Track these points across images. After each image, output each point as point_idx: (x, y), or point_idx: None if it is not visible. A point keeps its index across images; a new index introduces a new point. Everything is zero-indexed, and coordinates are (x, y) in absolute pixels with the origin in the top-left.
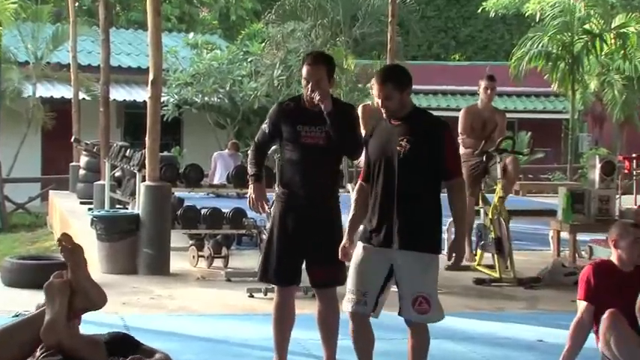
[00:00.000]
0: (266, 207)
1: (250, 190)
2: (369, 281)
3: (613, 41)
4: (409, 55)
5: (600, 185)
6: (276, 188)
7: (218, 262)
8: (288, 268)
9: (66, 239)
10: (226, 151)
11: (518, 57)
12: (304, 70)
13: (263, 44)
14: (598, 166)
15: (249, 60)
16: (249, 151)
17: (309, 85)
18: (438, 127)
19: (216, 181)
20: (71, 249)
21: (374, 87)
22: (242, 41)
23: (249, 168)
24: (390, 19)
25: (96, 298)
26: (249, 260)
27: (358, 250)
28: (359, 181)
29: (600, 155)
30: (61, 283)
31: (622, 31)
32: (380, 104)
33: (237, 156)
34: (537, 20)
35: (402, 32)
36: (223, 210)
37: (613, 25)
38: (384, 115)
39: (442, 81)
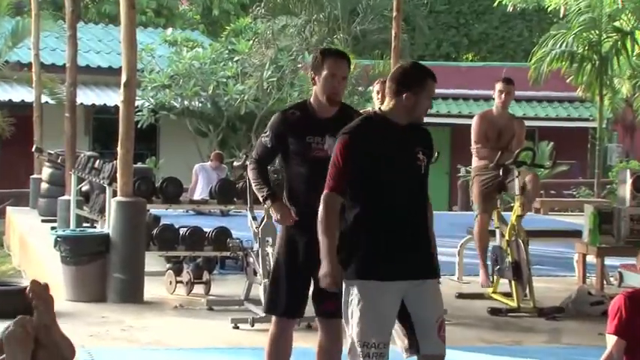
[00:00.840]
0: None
1: (273, 214)
2: (387, 329)
3: None
4: (416, 54)
5: (632, 203)
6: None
7: (199, 289)
8: (299, 297)
9: (37, 288)
10: (209, 163)
11: (539, 57)
12: (330, 63)
13: (251, 42)
14: (629, 181)
15: (235, 59)
16: (249, 171)
17: (335, 81)
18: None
19: (197, 197)
20: (44, 299)
21: (377, 89)
22: (227, 38)
23: (257, 190)
24: (394, 14)
25: (65, 354)
26: (234, 286)
27: (363, 290)
28: (326, 192)
29: (632, 169)
30: (24, 335)
31: None
32: (426, 108)
33: (222, 168)
34: (561, 16)
35: (408, 29)
36: (205, 229)
37: None
38: (417, 120)
39: (453, 84)
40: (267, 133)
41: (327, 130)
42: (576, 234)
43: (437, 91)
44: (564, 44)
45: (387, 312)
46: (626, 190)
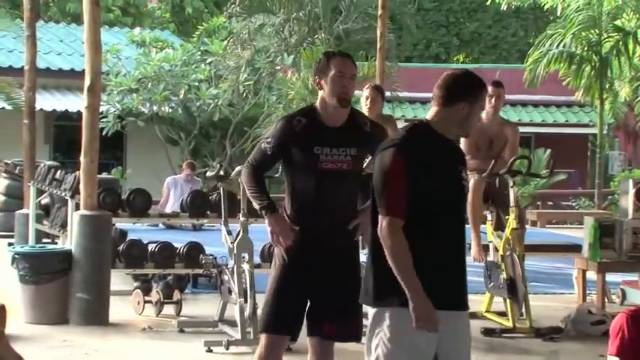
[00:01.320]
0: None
1: (270, 226)
2: None
3: None
4: (403, 55)
5: (635, 215)
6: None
7: (169, 309)
8: (297, 317)
9: None
10: (182, 175)
11: (535, 59)
12: (337, 63)
13: (225, 42)
14: (632, 191)
15: (208, 61)
16: (243, 177)
17: (344, 80)
18: None
19: (167, 210)
20: None
21: (366, 94)
22: (199, 38)
23: (253, 197)
24: (379, 12)
25: None
26: (207, 306)
27: (400, 319)
28: (390, 218)
29: (635, 178)
30: None
31: None
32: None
33: (195, 181)
34: (558, 14)
35: (395, 28)
36: (176, 245)
37: None
38: (466, 134)
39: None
40: (269, 140)
41: (337, 141)
42: (575, 248)
43: (426, 95)
44: (562, 44)
45: (424, 348)
46: (628, 201)
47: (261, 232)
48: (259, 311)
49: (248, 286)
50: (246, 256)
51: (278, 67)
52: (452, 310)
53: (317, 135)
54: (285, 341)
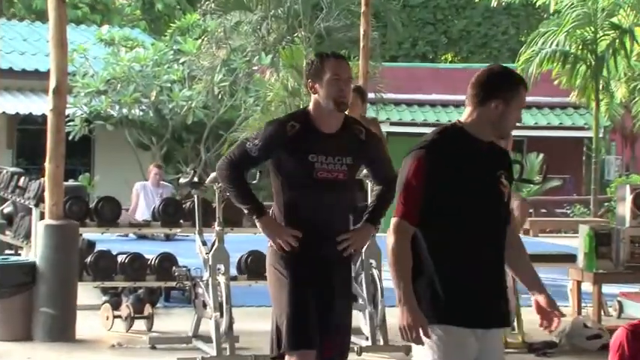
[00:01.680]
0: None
1: (265, 231)
2: None
3: None
4: (388, 54)
5: (632, 223)
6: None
7: (140, 325)
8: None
9: None
10: (150, 180)
11: (527, 58)
12: (332, 65)
13: (199, 41)
14: (629, 197)
15: (181, 61)
16: (220, 173)
17: (341, 83)
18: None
19: (138, 217)
20: None
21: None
22: (172, 37)
23: (236, 199)
24: (362, 9)
25: None
26: (181, 321)
27: (442, 337)
28: (400, 219)
29: (632, 184)
30: None
31: None
32: (515, 121)
33: (166, 187)
34: (551, 11)
35: (379, 26)
36: (147, 256)
37: None
38: (504, 135)
39: (430, 88)
40: (257, 142)
41: (332, 149)
42: (570, 258)
43: (412, 96)
44: (555, 43)
45: None
46: (626, 209)
47: (238, 242)
48: (234, 326)
49: (224, 299)
50: (222, 267)
51: (255, 68)
52: (489, 328)
53: (312, 142)
54: (314, 356)
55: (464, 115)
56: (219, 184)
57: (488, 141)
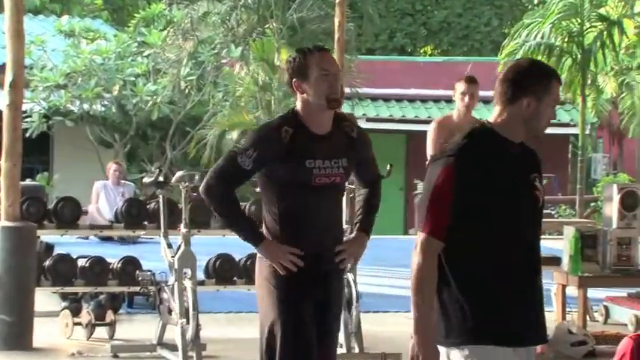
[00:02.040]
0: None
1: (266, 253)
2: None
3: (635, 31)
4: (364, 47)
5: (619, 224)
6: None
7: (101, 332)
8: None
9: None
10: (110, 179)
11: (511, 51)
12: (317, 60)
13: (165, 32)
14: (616, 197)
15: (145, 54)
16: (211, 199)
17: (330, 78)
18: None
19: (99, 221)
20: None
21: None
22: (136, 28)
23: (232, 226)
24: (337, 0)
25: None
26: (144, 328)
27: (476, 358)
28: (426, 236)
29: (620, 183)
30: None
31: None
32: (549, 119)
33: (127, 186)
34: (536, 2)
35: (355, 17)
36: (109, 260)
37: (636, 10)
38: (537, 135)
39: (409, 82)
40: (250, 152)
41: (328, 152)
42: (554, 261)
43: (390, 91)
44: (540, 35)
45: None
46: (613, 209)
47: (205, 244)
48: (202, 333)
49: (190, 305)
50: (189, 271)
51: (224, 61)
52: (524, 346)
53: (308, 146)
54: None
55: (493, 114)
56: (186, 184)
57: (519, 142)
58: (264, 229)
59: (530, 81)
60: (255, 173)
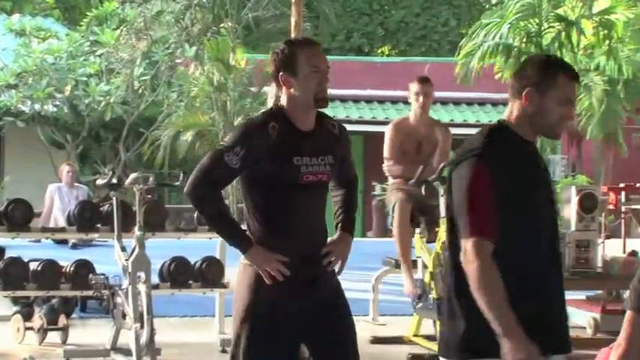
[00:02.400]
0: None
1: (255, 262)
2: None
3: (593, 31)
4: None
5: (578, 226)
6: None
7: (54, 337)
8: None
9: None
10: (63, 181)
11: (468, 51)
12: (309, 55)
13: (118, 32)
14: (575, 199)
15: (98, 53)
16: (202, 204)
17: (320, 76)
18: None
19: (52, 223)
20: None
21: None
22: (88, 27)
23: (223, 230)
24: None
25: None
26: (98, 333)
27: None
28: (476, 239)
29: (578, 185)
30: None
31: (606, 18)
32: (561, 117)
33: (80, 188)
34: (494, 2)
35: (311, 16)
36: (61, 263)
37: (594, 10)
38: (549, 134)
39: (366, 83)
40: (237, 149)
41: (314, 149)
42: None
43: (347, 92)
44: (498, 36)
45: None
46: (571, 211)
47: (160, 248)
48: (156, 337)
49: (145, 309)
50: (143, 275)
51: (178, 60)
52: (556, 355)
53: (295, 143)
54: None
55: (506, 111)
56: (140, 186)
57: (533, 141)
58: (250, 235)
59: (531, 72)
60: (241, 172)
